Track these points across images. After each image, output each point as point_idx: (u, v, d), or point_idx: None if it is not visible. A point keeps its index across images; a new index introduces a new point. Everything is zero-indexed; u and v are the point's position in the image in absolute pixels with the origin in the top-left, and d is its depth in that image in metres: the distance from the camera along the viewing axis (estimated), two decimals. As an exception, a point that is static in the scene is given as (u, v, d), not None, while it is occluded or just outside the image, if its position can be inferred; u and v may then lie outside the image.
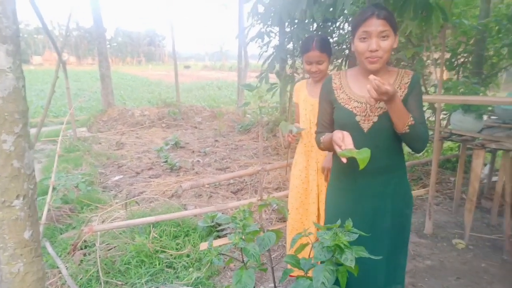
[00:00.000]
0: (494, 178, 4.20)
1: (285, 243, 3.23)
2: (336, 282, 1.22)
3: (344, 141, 1.38)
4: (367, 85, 1.37)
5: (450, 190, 4.38)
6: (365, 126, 1.53)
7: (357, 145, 1.50)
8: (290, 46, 5.16)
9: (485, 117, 3.67)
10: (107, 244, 2.99)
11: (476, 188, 3.18)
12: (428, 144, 5.06)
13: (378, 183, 1.58)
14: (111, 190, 4.51)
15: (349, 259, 1.17)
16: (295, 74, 5.26)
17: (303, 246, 1.53)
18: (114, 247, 2.95)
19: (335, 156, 1.68)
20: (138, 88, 18.02)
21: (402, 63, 5.08)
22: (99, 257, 2.66)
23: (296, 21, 4.77)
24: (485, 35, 4.41)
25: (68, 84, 6.73)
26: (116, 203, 3.92)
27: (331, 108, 1.64)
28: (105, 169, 5.37)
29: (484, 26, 4.29)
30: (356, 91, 1.58)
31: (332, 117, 1.65)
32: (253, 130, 7.72)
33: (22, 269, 1.03)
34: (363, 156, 1.33)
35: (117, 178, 4.98)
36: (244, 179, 4.68)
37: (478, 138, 3.23)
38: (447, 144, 5.64)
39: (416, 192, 4.22)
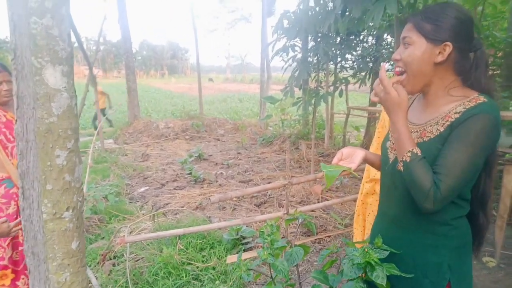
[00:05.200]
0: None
1: (310, 257, 3.21)
2: None
3: (348, 157, 1.19)
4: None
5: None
6: (391, 156, 1.22)
7: (385, 177, 1.27)
8: (315, 60, 5.20)
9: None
10: (135, 255, 3.05)
11: (507, 205, 3.08)
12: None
13: (393, 237, 1.22)
14: (138, 201, 4.60)
15: (380, 277, 1.15)
16: (319, 88, 5.28)
17: (332, 262, 1.53)
18: (142, 258, 3.01)
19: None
20: (162, 100, 18.42)
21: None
22: (128, 268, 2.71)
23: (319, 35, 4.81)
24: (515, 48, 4.33)
25: (97, 98, 6.97)
26: (143, 214, 4.00)
27: None
28: (131, 181, 5.49)
29: (514, 38, 4.21)
30: (409, 114, 1.20)
31: None
32: (275, 142, 7.74)
33: (69, 279, 1.07)
34: (331, 173, 1.10)
35: (143, 189, 5.08)
36: (268, 192, 4.69)
37: (510, 153, 3.15)
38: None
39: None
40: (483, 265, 3.06)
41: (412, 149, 1.03)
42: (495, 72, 5.01)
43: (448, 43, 1.05)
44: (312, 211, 3.86)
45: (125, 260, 2.82)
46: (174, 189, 5.08)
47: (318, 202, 4.20)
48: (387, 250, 1.18)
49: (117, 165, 6.09)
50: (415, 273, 1.16)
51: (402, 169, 1.04)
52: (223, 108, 15.57)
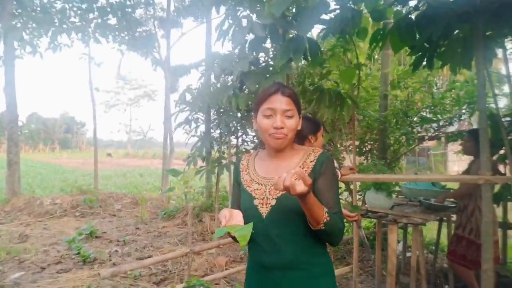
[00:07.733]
0: (408, 254, 4.49)
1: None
2: None
3: (232, 218, 1.26)
4: (272, 167, 1.39)
5: (371, 268, 4.54)
6: (263, 210, 1.35)
7: (258, 234, 1.35)
8: (217, 133, 5.38)
9: (393, 196, 4.06)
10: None
11: (394, 263, 3.34)
12: (347, 224, 5.34)
13: (284, 282, 1.34)
14: (9, 290, 3.85)
15: None
16: (222, 160, 5.40)
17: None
18: None
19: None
20: (50, 176, 16.65)
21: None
22: None
23: (222, 110, 5.06)
24: (386, 125, 5.09)
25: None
26: (14, 304, 3.33)
27: (239, 191, 1.49)
28: (3, 266, 4.63)
29: (385, 117, 4.97)
30: (260, 172, 1.45)
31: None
32: (178, 216, 7.43)
33: None
34: (243, 232, 1.09)
35: (17, 275, 4.30)
36: (168, 268, 4.37)
37: (391, 214, 3.52)
38: (364, 223, 5.99)
39: (340, 270, 4.29)
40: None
41: (325, 210, 1.25)
42: (372, 147, 5.78)
43: (300, 115, 1.43)
44: (216, 284, 3.67)
45: None
46: (57, 272, 4.40)
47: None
48: None
49: (-16, 249, 5.11)
50: None
51: (324, 227, 1.24)
52: (122, 182, 14.67)
